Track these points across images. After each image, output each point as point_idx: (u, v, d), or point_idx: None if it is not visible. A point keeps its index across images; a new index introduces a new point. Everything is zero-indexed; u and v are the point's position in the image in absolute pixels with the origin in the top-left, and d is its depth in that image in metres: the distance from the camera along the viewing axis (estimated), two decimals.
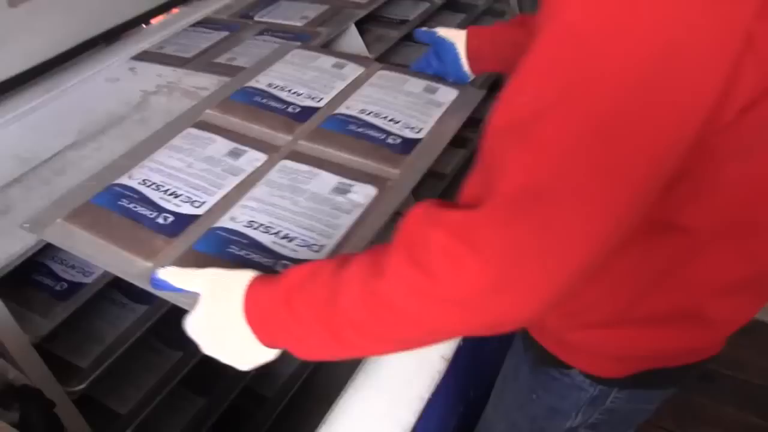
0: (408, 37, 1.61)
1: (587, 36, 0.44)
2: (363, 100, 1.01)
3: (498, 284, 0.45)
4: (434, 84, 1.08)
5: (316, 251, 0.73)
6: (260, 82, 1.06)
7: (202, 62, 1.27)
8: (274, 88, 1.04)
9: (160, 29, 1.46)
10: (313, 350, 0.59)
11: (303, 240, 0.74)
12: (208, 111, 0.99)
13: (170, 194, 0.79)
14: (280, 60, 1.13)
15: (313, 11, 1.50)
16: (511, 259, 0.45)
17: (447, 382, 0.94)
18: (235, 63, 1.27)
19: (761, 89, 0.49)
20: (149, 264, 0.71)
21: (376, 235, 0.76)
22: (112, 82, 1.20)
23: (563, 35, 0.45)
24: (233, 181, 0.83)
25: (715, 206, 0.59)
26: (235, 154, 0.88)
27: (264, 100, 1.00)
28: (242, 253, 0.72)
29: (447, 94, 1.05)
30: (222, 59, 1.28)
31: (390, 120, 0.96)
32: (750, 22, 0.44)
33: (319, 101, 1.01)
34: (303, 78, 1.08)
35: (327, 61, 1.13)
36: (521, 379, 0.89)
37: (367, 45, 1.46)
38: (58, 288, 0.85)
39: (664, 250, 0.63)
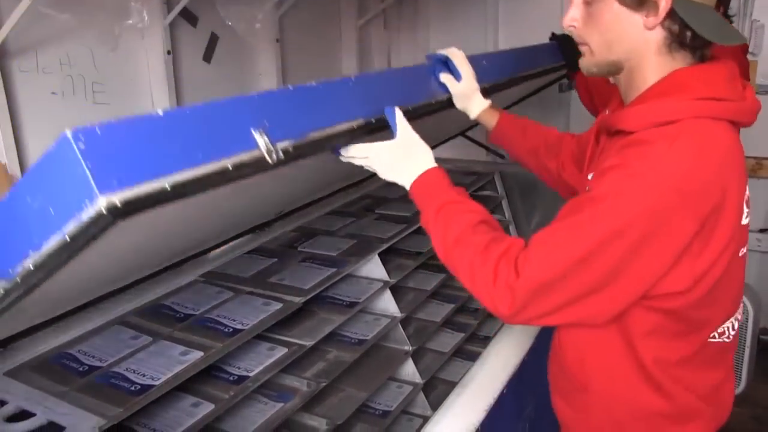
0: (422, 266, 1.95)
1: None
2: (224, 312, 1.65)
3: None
4: None
5: (155, 380, 1.36)
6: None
7: (258, 281, 1.59)
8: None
9: (222, 255, 1.81)
10: (425, 219, 1.10)
11: (151, 376, 1.37)
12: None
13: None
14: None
15: (345, 244, 1.88)
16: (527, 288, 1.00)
17: None
18: (284, 282, 1.59)
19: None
20: None
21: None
22: None
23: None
24: (129, 350, 1.50)
25: None
26: (135, 337, 1.56)
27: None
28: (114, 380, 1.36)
29: None
30: (273, 279, 1.60)
31: (232, 319, 1.58)
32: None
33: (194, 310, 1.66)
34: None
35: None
36: None
37: (388, 272, 1.79)
38: None
39: None
